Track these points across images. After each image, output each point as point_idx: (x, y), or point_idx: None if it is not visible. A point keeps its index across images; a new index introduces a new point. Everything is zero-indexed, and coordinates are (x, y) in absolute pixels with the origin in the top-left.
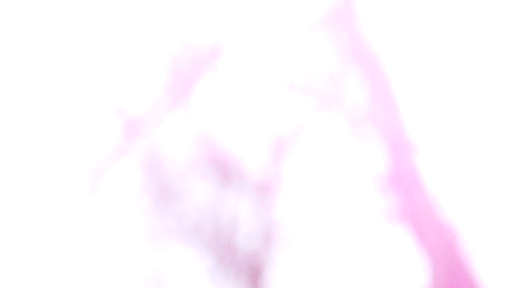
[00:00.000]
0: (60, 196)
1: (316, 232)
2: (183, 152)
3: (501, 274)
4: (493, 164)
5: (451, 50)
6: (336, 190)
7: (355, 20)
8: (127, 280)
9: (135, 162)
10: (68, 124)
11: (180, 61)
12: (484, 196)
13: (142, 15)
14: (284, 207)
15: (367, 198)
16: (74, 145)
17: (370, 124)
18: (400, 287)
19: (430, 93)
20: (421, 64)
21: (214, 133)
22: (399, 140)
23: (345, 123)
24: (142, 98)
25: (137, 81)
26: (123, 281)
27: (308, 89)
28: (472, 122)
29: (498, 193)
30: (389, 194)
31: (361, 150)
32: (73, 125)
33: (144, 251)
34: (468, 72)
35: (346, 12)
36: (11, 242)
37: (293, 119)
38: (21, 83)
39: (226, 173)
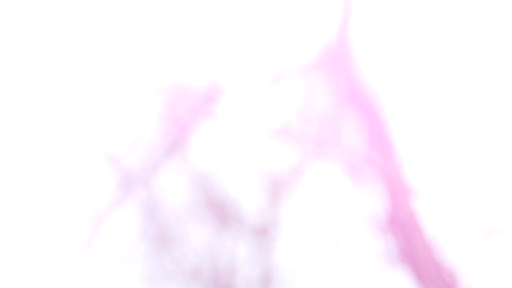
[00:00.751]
0: (56, 249)
1: (314, 275)
2: (181, 196)
3: None
4: (491, 205)
5: (448, 91)
6: (335, 233)
7: (350, 62)
8: None
9: (132, 207)
10: (63, 175)
11: (175, 105)
12: (483, 239)
13: (136, 58)
14: (282, 250)
15: (365, 241)
16: (69, 196)
17: (367, 167)
18: None
19: (428, 135)
20: (418, 106)
21: (211, 176)
22: (397, 183)
23: (342, 166)
24: (138, 145)
25: (132, 127)
26: None
27: (304, 132)
28: (470, 164)
29: (496, 235)
30: (388, 237)
31: (359, 193)
32: (68, 176)
33: None
34: (466, 114)
35: (341, 54)
36: None
37: (290, 162)
38: (13, 131)
39: (224, 217)
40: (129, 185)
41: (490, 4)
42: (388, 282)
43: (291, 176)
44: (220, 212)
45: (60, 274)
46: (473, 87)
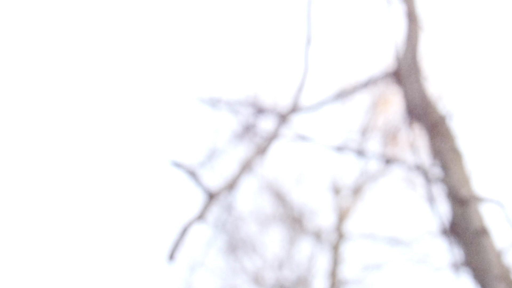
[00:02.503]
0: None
1: (381, 277)
2: (259, 207)
3: None
4: None
5: None
6: (400, 242)
7: (420, 77)
8: None
9: (212, 221)
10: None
11: (254, 122)
12: None
13: (216, 77)
14: (351, 261)
15: (430, 248)
16: (161, 212)
17: (431, 180)
18: None
19: (495, 144)
20: (486, 118)
21: (287, 189)
22: (462, 194)
23: (406, 179)
24: (218, 160)
25: (213, 142)
26: None
27: (372, 146)
28: None
29: None
30: (452, 244)
31: (423, 204)
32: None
33: None
34: None
35: (411, 68)
36: None
37: (357, 175)
38: None
39: (297, 227)
40: (212, 203)
41: None
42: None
43: (359, 188)
44: (294, 223)
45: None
46: None
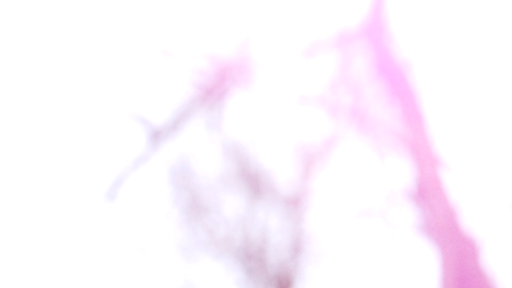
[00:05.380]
0: (77, 201)
1: (343, 245)
2: (214, 165)
3: None
4: None
5: (480, 63)
6: (364, 203)
7: (384, 35)
8: None
9: (164, 174)
10: (91, 131)
11: (209, 74)
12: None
13: (169, 26)
14: (313, 220)
15: (393, 212)
16: (96, 152)
17: (396, 138)
18: None
19: (458, 106)
20: (451, 78)
21: (245, 146)
22: (425, 154)
23: (373, 137)
24: (168, 109)
25: (164, 91)
26: None
27: (338, 104)
28: (499, 136)
29: None
30: (415, 208)
31: (389, 165)
32: (95, 132)
33: (175, 262)
34: (497, 88)
35: (375, 27)
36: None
37: (323, 133)
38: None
39: (257, 187)
40: (157, 145)
41: None
42: (412, 251)
43: (323, 147)
44: (253, 182)
45: (78, 225)
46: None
